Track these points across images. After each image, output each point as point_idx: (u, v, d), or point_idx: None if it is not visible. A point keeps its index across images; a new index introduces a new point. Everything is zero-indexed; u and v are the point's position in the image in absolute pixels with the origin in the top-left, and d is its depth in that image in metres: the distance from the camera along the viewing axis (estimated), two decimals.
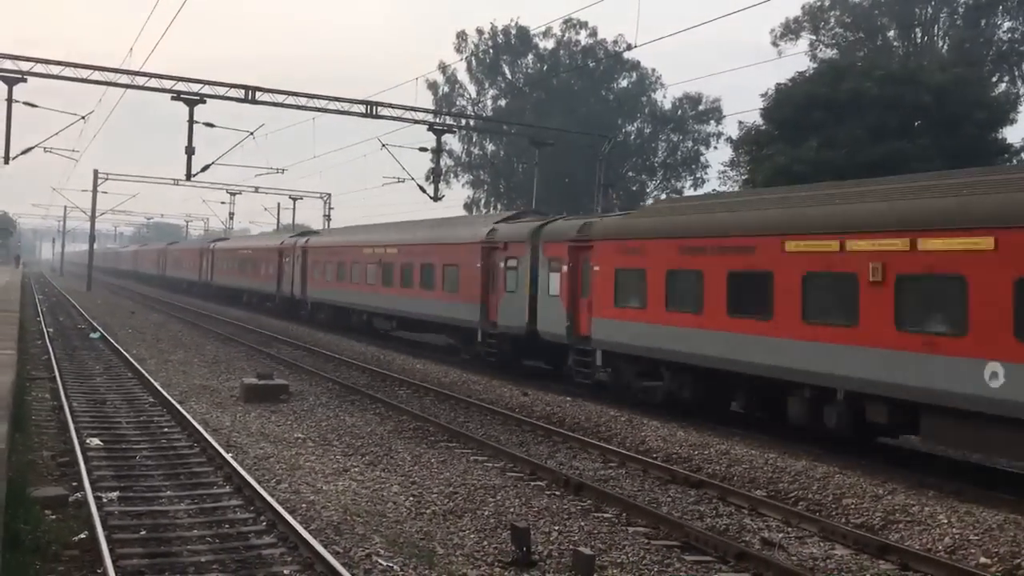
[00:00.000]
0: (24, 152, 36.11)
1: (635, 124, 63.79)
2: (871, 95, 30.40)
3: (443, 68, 64.88)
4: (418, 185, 42.11)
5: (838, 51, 44.14)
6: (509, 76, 65.30)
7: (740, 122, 39.47)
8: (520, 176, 61.78)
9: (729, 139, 43.09)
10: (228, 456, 13.00)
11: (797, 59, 68.76)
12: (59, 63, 31.25)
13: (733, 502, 12.22)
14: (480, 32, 63.95)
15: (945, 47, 42.08)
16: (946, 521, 10.84)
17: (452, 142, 62.86)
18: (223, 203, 76.57)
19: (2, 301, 36.95)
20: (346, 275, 34.94)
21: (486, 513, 11.22)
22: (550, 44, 64.25)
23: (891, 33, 44.45)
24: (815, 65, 40.42)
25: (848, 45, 44.63)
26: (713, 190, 51.79)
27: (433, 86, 64.90)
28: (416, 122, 37.00)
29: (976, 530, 10.51)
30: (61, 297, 58.02)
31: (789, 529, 11.09)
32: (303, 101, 34.22)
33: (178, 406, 17.08)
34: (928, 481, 12.71)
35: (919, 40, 43.18)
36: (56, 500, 10.72)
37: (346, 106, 34.80)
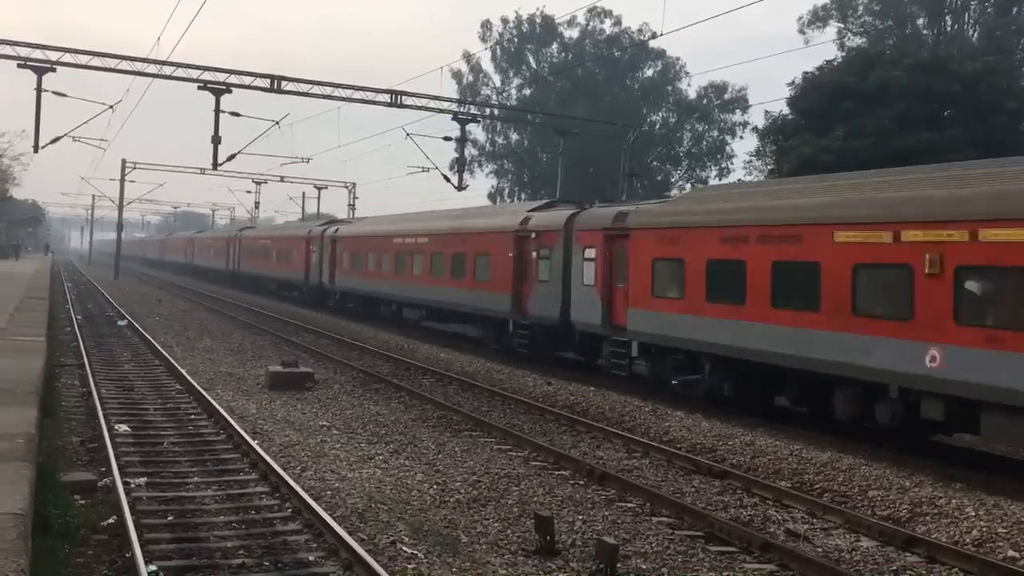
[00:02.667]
0: (53, 141, 36.50)
1: (660, 113, 63.51)
2: (900, 84, 30.01)
3: (467, 57, 64.92)
4: (442, 174, 42.14)
5: (866, 39, 43.63)
6: (534, 65, 65.16)
7: (766, 111, 39.13)
8: (544, 165, 61.68)
9: (755, 128, 42.79)
10: (254, 443, 13.10)
11: (825, 48, 68.14)
12: (88, 52, 31.48)
13: (757, 493, 12.17)
14: (505, 21, 63.96)
15: (975, 35, 41.49)
16: (974, 514, 10.75)
17: (476, 131, 62.85)
18: (249, 192, 77.06)
19: (32, 289, 37.39)
20: None
21: (510, 502, 11.24)
22: (575, 33, 64.16)
23: (921, 21, 43.91)
24: (843, 54, 39.98)
25: (877, 33, 44.10)
26: (738, 180, 51.46)
27: (457, 75, 64.98)
28: (440, 111, 37.03)
29: (1004, 523, 10.41)
30: (89, 285, 58.61)
31: (814, 520, 11.04)
32: (328, 90, 34.28)
33: (204, 393, 17.23)
34: (956, 473, 12.60)
35: (949, 28, 42.60)
36: (85, 485, 10.85)
37: (371, 95, 34.81)
